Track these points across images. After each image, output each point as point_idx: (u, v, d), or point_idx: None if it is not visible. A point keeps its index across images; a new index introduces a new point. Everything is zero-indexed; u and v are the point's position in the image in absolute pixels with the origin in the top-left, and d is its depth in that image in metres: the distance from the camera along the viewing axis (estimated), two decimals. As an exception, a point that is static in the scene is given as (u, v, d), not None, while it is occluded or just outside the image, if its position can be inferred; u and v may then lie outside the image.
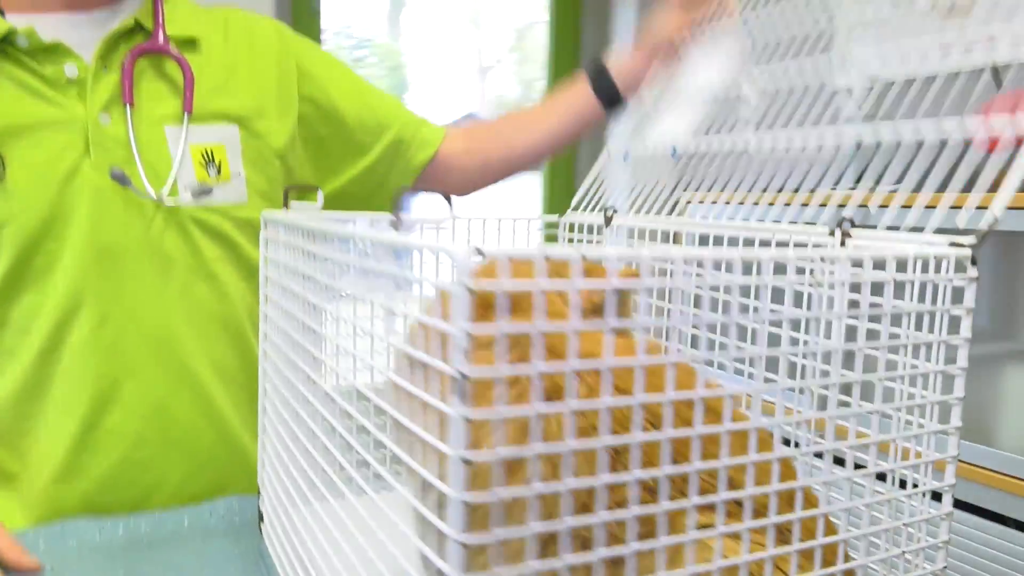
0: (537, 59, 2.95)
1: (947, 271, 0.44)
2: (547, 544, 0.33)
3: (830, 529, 0.41)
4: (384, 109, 0.97)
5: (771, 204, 0.60)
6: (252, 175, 0.84)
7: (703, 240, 0.65)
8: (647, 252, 0.33)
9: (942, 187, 0.47)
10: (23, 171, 0.74)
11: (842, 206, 0.53)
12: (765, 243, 0.59)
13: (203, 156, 0.80)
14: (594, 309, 0.35)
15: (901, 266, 0.44)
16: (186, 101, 0.80)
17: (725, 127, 0.67)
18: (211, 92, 0.82)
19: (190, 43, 0.83)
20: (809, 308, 0.52)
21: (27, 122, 0.75)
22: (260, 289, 0.68)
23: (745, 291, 0.41)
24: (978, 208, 0.44)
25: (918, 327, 0.46)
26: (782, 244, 0.57)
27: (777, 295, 0.39)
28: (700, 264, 0.35)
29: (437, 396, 0.32)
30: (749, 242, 0.61)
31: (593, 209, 0.78)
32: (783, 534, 0.39)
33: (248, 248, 0.85)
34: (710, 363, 0.47)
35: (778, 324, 0.50)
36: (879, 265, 0.41)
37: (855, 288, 0.43)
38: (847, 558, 0.43)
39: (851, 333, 0.42)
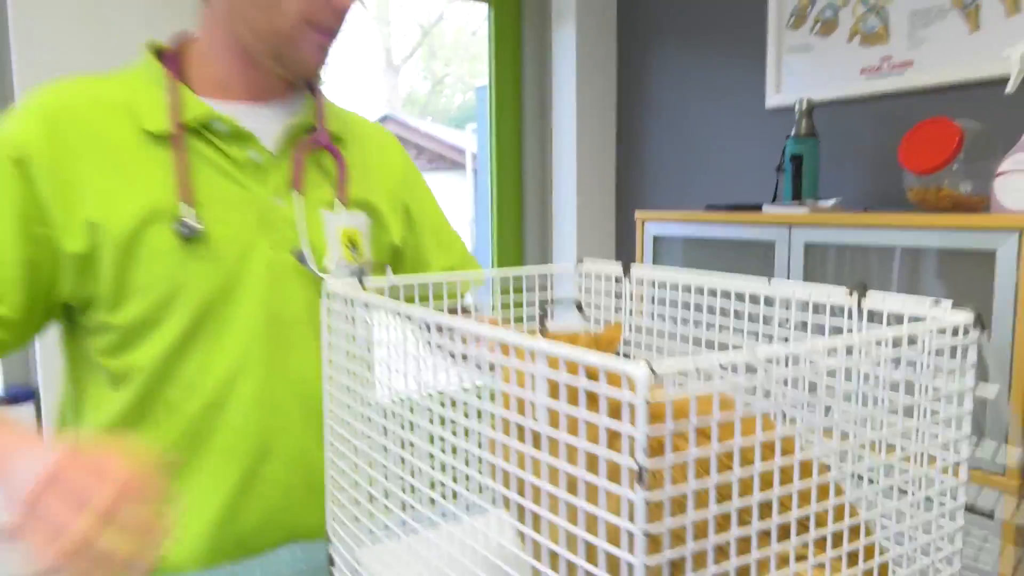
0: (444, 56, 3.01)
1: (955, 333, 0.55)
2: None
3: (883, 551, 0.51)
4: (451, 240, 1.09)
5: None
6: (376, 259, 0.96)
7: (724, 294, 0.75)
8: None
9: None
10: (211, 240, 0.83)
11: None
12: (785, 301, 0.70)
13: (347, 239, 0.90)
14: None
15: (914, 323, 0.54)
16: (339, 190, 0.92)
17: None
18: (352, 184, 0.94)
19: (339, 140, 0.95)
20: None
21: (216, 198, 0.83)
22: (323, 353, 0.75)
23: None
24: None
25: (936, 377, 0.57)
26: (802, 302, 0.68)
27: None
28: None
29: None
30: (770, 300, 0.71)
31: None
32: (852, 558, 0.50)
33: None
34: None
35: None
36: (913, 334, 0.52)
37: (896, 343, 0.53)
38: (893, 571, 0.53)
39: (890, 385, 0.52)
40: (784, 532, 0.46)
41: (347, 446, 0.72)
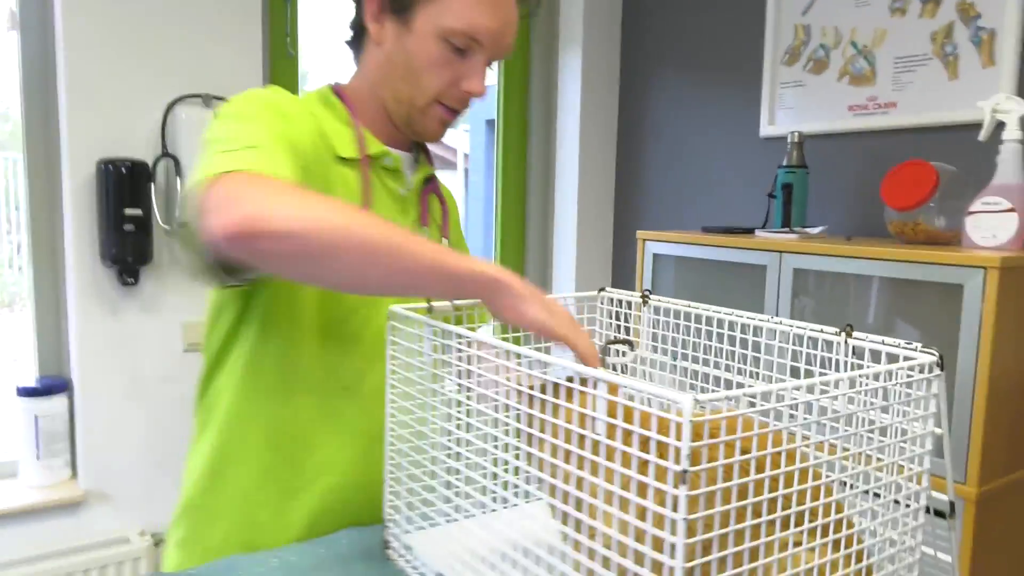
0: None
1: (923, 370, 0.69)
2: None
3: (860, 540, 0.65)
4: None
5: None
6: None
7: (731, 326, 0.89)
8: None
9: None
10: None
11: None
12: (785, 335, 0.83)
13: None
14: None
15: (893, 359, 0.68)
16: (443, 229, 1.09)
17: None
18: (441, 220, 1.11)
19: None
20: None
21: (384, 215, 0.99)
22: (387, 364, 0.88)
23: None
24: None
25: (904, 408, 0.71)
26: (799, 335, 0.81)
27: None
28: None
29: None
30: (772, 333, 0.85)
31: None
32: (837, 545, 0.63)
33: None
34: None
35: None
36: (889, 370, 0.66)
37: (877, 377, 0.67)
38: (868, 555, 0.67)
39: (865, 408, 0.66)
40: (786, 523, 0.59)
41: (406, 444, 0.85)
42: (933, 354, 0.70)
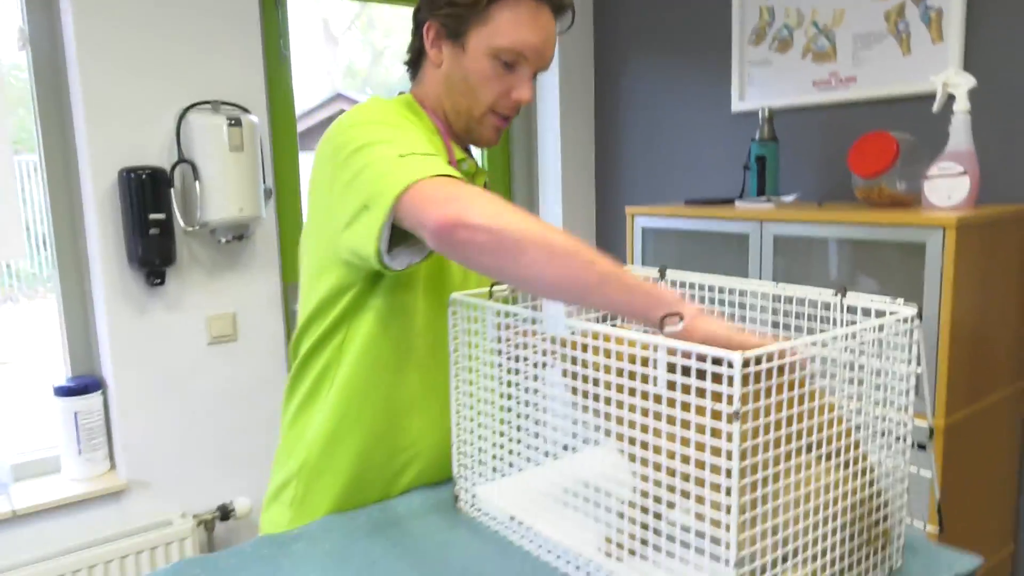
0: (383, 27, 3.11)
1: (906, 321, 0.86)
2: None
3: (865, 458, 0.82)
4: None
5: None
6: None
7: (742, 292, 1.05)
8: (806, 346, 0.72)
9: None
10: None
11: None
12: (789, 299, 1.00)
13: None
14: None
15: (880, 314, 0.85)
16: None
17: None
18: None
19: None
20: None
21: None
22: (450, 343, 1.03)
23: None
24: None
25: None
26: (802, 299, 0.98)
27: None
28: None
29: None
30: (777, 297, 1.02)
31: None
32: (847, 463, 0.80)
33: None
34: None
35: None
36: (882, 324, 0.83)
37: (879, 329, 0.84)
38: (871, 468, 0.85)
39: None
40: (810, 447, 0.76)
41: (470, 407, 1.01)
42: (913, 307, 0.87)
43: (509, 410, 1.00)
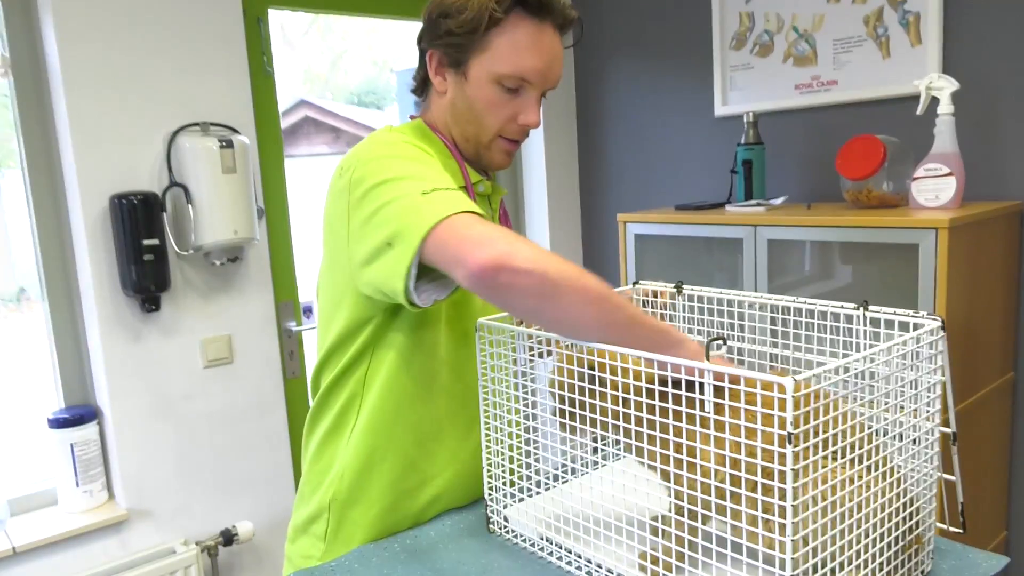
0: (340, 30, 3.09)
1: (932, 332, 0.89)
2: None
3: (890, 461, 0.85)
4: None
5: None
6: None
7: (762, 307, 1.08)
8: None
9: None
10: None
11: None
12: (810, 312, 1.02)
13: None
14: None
15: (904, 327, 0.88)
16: None
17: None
18: None
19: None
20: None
21: None
22: (479, 368, 1.04)
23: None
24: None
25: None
26: (823, 311, 1.01)
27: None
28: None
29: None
30: (798, 311, 1.04)
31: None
32: (875, 467, 0.83)
33: None
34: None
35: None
36: (903, 327, 0.85)
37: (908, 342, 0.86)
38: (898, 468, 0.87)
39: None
40: (843, 452, 0.79)
41: (498, 430, 1.02)
42: (937, 319, 0.90)
43: (536, 431, 1.01)
